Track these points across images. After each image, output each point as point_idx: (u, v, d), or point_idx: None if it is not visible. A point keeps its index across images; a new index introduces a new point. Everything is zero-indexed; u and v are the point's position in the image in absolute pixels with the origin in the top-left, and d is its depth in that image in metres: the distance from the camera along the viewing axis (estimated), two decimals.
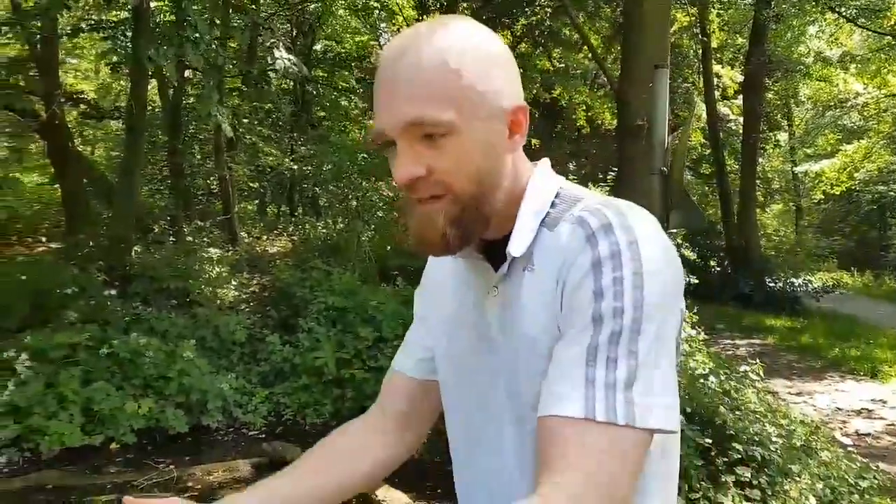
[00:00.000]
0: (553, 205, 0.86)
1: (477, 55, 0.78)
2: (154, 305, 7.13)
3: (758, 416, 4.37)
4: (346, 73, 12.27)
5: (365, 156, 10.06)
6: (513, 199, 0.85)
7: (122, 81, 12.80)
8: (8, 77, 8.37)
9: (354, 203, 11.29)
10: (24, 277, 7.20)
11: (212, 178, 12.97)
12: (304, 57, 11.64)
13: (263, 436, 5.86)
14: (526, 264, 0.84)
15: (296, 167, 11.15)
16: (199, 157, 13.07)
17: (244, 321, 7.31)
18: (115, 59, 9.21)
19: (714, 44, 15.23)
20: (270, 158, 11.81)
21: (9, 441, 5.15)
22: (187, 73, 9.62)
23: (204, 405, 5.94)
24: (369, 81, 10.79)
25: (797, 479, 3.89)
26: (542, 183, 0.87)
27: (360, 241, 9.60)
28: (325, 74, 12.07)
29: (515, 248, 0.83)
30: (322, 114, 12.97)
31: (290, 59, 5.99)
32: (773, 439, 4.07)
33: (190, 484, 4.83)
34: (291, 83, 11.24)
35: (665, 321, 0.76)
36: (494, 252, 0.87)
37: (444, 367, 0.98)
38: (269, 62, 6.23)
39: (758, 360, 5.34)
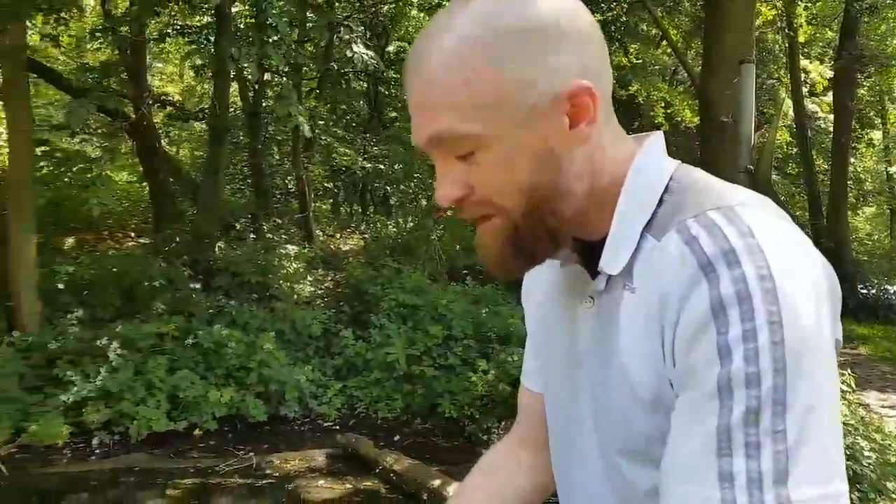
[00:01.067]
0: (661, 202, 0.68)
1: (507, 37, 0.63)
2: (236, 299, 7.41)
3: (849, 429, 4.13)
4: None
5: None
6: (606, 196, 0.69)
7: (205, 84, 13.39)
8: (101, 80, 8.89)
9: (424, 202, 11.41)
10: (115, 270, 7.63)
11: (289, 178, 13.37)
12: (378, 59, 11.83)
13: (337, 427, 5.99)
14: (625, 281, 0.68)
15: (368, 167, 11.35)
16: (277, 157, 13.52)
17: (319, 316, 7.50)
18: (198, 61, 9.64)
19: (801, 38, 14.50)
20: (345, 159, 12.07)
21: (101, 424, 5.46)
22: (266, 75, 9.96)
23: (282, 396, 6.13)
24: None
25: (893, 496, 3.65)
26: (646, 172, 0.69)
27: (429, 240, 9.68)
28: (398, 76, 12.25)
29: (608, 263, 0.68)
30: (394, 114, 13.17)
31: (367, 55, 6.10)
32: (866, 454, 3.83)
33: (268, 471, 5.00)
34: (365, 84, 11.45)
35: (817, 372, 0.57)
36: (594, 255, 0.71)
37: (541, 377, 0.90)
38: (348, 56, 6.35)
39: (848, 371, 5.05)
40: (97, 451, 5.31)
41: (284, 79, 9.09)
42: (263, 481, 4.84)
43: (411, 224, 11.09)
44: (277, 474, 4.96)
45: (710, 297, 0.58)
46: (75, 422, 5.41)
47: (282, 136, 13.02)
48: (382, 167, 11.18)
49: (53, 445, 5.20)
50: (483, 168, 0.65)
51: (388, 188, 12.12)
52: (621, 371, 0.68)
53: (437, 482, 4.60)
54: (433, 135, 0.65)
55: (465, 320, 6.94)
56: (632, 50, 13.70)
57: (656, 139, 0.74)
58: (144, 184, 11.21)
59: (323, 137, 11.98)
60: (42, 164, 8.33)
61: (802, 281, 0.59)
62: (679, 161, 0.74)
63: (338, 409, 6.34)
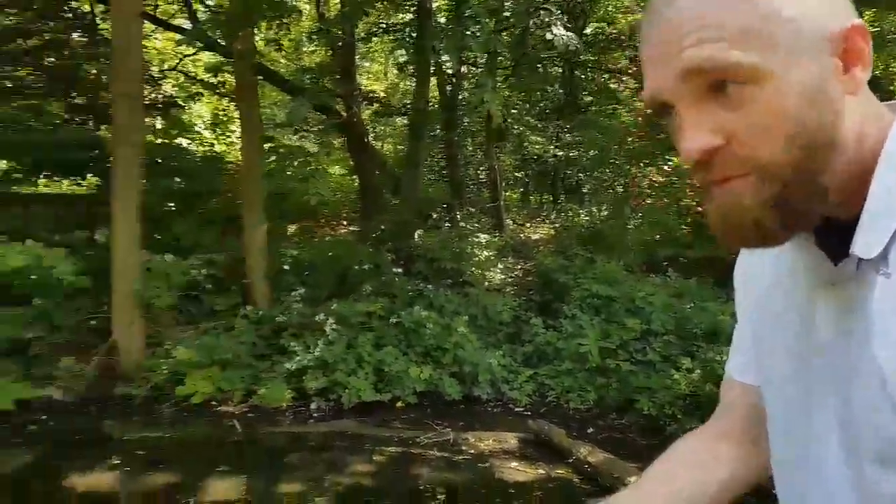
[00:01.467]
0: None
1: None
2: (433, 283, 7.79)
3: None
4: (617, 53, 11.99)
5: (634, 139, 9.74)
6: (864, 166, 0.58)
7: (407, 81, 14.17)
8: (317, 80, 9.80)
9: (620, 189, 11.03)
10: (330, 255, 8.39)
11: (481, 168, 13.71)
12: (578, 40, 11.63)
13: (528, 413, 6.05)
14: (880, 266, 0.58)
15: (560, 154, 11.25)
16: (470, 148, 13.93)
17: (510, 303, 7.62)
18: (401, 58, 10.20)
19: None
20: (536, 147, 12.08)
21: (318, 391, 6.05)
22: (463, 68, 10.27)
23: (475, 377, 6.33)
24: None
25: None
26: None
27: (625, 229, 9.33)
28: (595, 58, 11.95)
29: (863, 247, 0.58)
30: (589, 98, 12.89)
31: (567, 36, 6.00)
32: None
33: (463, 448, 5.19)
34: (561, 69, 11.34)
35: None
36: (831, 234, 0.62)
37: (757, 370, 0.80)
38: (546, 40, 6.30)
39: None
40: (314, 415, 5.90)
41: (481, 70, 9.30)
42: (459, 457, 5.03)
43: (605, 212, 10.79)
44: (473, 451, 5.14)
45: None
46: (296, 388, 6.06)
47: (476, 127, 13.38)
48: (575, 154, 11.00)
49: (278, 408, 5.87)
50: (748, 109, 0.55)
51: (581, 176, 11.90)
52: (876, 372, 0.58)
53: (634, 479, 4.45)
54: (690, 67, 0.55)
55: (667, 314, 6.60)
56: (866, 17, 11.99)
57: None
58: (354, 176, 12.17)
59: (515, 126, 12.08)
60: (269, 159, 9.37)
61: None
62: None
63: (528, 395, 6.39)
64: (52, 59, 9.77)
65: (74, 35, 10.12)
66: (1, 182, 9.58)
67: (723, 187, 0.58)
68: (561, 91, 12.02)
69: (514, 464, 4.95)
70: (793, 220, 0.59)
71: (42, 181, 9.75)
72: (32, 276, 6.05)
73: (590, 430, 5.65)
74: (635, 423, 5.79)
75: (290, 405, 5.94)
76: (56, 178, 9.88)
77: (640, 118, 10.93)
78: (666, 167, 10.52)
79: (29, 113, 9.95)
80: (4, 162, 9.37)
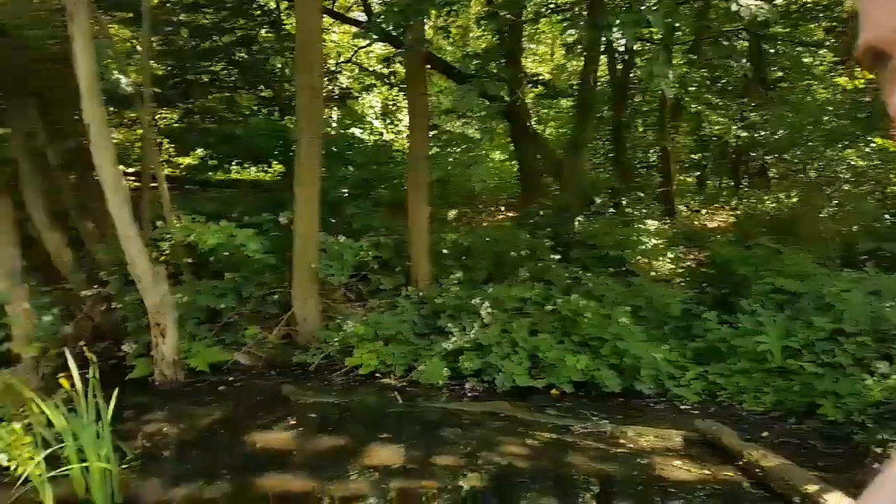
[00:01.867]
0: None
1: None
2: (592, 271, 7.54)
3: None
4: (812, 24, 10.73)
5: (832, 119, 8.66)
6: None
7: (574, 61, 13.80)
8: (483, 66, 9.84)
9: (813, 174, 9.90)
10: (488, 240, 8.44)
11: (652, 151, 13.01)
12: (770, 8, 10.58)
13: (696, 412, 5.64)
14: None
15: (744, 135, 10.32)
16: (640, 129, 13.27)
17: (680, 295, 7.14)
18: (570, 38, 9.90)
19: None
20: (716, 128, 11.20)
21: (472, 372, 6.13)
22: (636, 45, 9.76)
23: (636, 371, 6.03)
24: (841, 30, 9.22)
25: None
26: None
27: (818, 218, 8.36)
28: (787, 30, 10.79)
29: None
30: (779, 74, 11.68)
31: (756, 5, 5.43)
32: None
33: (621, 441, 4.97)
34: (747, 43, 10.39)
35: None
36: None
37: None
38: (732, 11, 5.77)
39: None
40: (468, 394, 5.98)
41: (655, 45, 8.78)
42: (617, 450, 4.82)
43: (794, 199, 9.75)
44: (631, 446, 4.90)
45: None
46: (452, 367, 6.18)
47: (647, 107, 12.71)
48: (761, 135, 10.03)
49: (435, 385, 6.03)
50: None
51: (767, 159, 10.84)
52: None
53: (813, 487, 3.99)
54: None
55: (863, 313, 5.81)
56: None
57: None
58: (514, 162, 12.13)
59: (693, 105, 11.29)
60: (432, 145, 9.59)
61: None
62: None
63: (697, 393, 5.95)
64: (243, 54, 10.77)
65: (262, 31, 11.08)
66: (198, 169, 10.81)
67: None
68: (747, 66, 11.00)
69: (676, 462, 4.65)
70: None
71: (234, 168, 10.84)
72: (226, 254, 6.74)
73: (764, 434, 5.14)
74: (818, 429, 5.18)
75: (446, 383, 6.08)
76: (245, 166, 10.93)
77: (841, 93, 9.70)
78: (868, 149, 9.25)
79: (223, 105, 11.11)
80: (201, 150, 10.54)
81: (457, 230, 9.42)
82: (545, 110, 13.73)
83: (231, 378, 6.27)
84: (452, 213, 10.33)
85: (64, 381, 3.91)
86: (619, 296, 6.96)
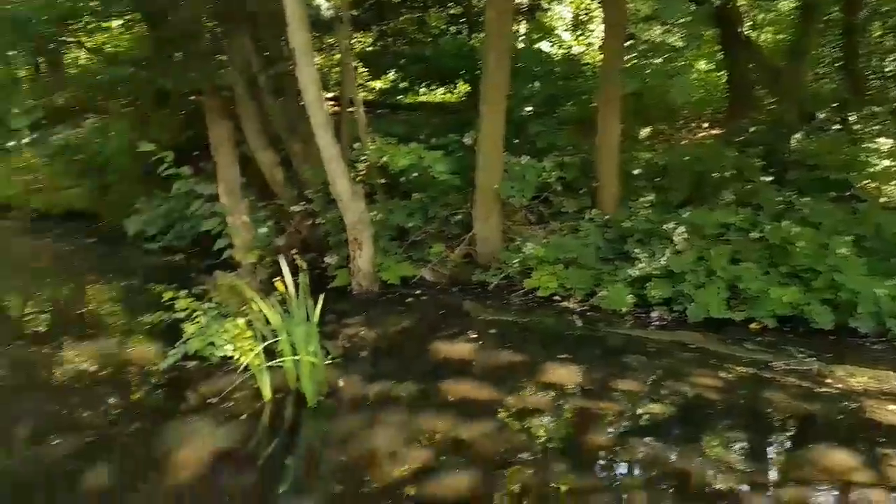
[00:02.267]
0: None
1: None
2: (810, 195, 6.68)
3: None
4: None
5: None
6: None
7: None
8: None
9: None
10: (687, 159, 7.80)
11: (890, 59, 11.02)
12: None
13: None
14: None
15: None
16: (877, 34, 11.25)
17: None
18: None
19: None
20: None
21: (661, 300, 5.82)
22: None
23: (853, 307, 5.32)
24: None
25: None
26: None
27: None
28: None
29: None
30: None
31: None
32: None
33: (829, 381, 4.47)
34: None
35: None
36: None
37: None
38: None
39: None
40: (655, 322, 5.72)
41: None
42: (822, 389, 4.35)
43: None
44: (840, 386, 4.39)
45: None
46: (638, 294, 5.92)
47: (888, 6, 10.67)
48: None
49: (617, 311, 5.85)
50: None
51: None
52: None
53: None
54: None
55: None
56: None
57: None
58: (722, 72, 10.97)
59: None
60: (628, 56, 8.92)
61: None
62: None
63: None
64: None
65: None
66: (390, 92, 11.18)
67: None
68: None
69: (892, 406, 4.11)
70: None
71: (422, 90, 11.05)
72: (415, 174, 6.98)
73: None
74: None
75: (630, 311, 5.86)
76: (433, 88, 11.08)
77: None
78: None
79: (414, 26, 11.26)
80: (392, 73, 10.85)
81: (651, 149, 8.82)
82: (761, 14, 12.11)
83: (418, 292, 6.61)
84: (647, 131, 9.65)
85: (279, 285, 4.35)
86: (839, 223, 6.11)
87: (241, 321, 4.40)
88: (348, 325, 5.68)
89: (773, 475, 3.43)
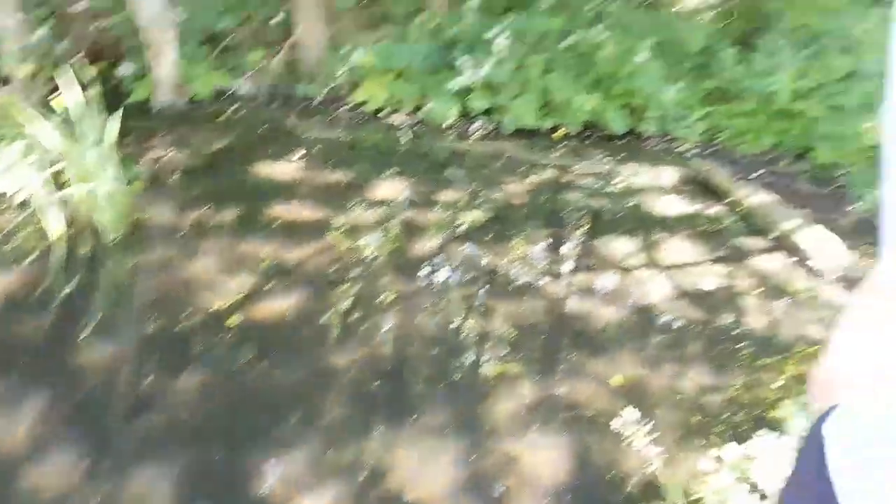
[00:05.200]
0: None
1: None
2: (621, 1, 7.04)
3: None
4: None
5: None
6: None
7: None
8: None
9: None
10: None
11: None
12: None
13: (695, 151, 5.84)
14: None
15: None
16: None
17: (704, 28, 6.79)
18: None
19: None
20: None
21: (482, 112, 6.12)
22: None
23: (644, 111, 6.02)
24: None
25: None
26: None
27: None
28: None
29: None
30: None
31: None
32: None
33: (617, 180, 5.24)
34: None
35: None
36: None
37: None
38: None
39: None
40: (476, 133, 6.07)
41: None
42: (610, 189, 5.11)
43: None
44: (626, 184, 5.19)
45: None
46: (462, 106, 6.15)
47: None
48: None
49: (442, 123, 6.07)
50: None
51: None
52: None
53: (790, 223, 4.35)
54: None
55: (879, 52, 5.59)
56: None
57: None
58: None
59: None
60: None
61: None
62: None
63: (700, 133, 6.05)
64: None
65: None
66: None
67: None
68: None
69: (666, 198, 4.98)
70: None
71: None
72: None
73: (758, 174, 5.41)
74: (807, 171, 5.46)
75: (455, 122, 6.12)
76: None
77: None
78: None
79: None
80: None
81: None
82: None
83: (235, 106, 6.17)
84: None
85: (57, 101, 3.82)
86: (644, 28, 6.59)
87: (18, 145, 3.88)
88: (153, 147, 5.16)
89: (566, 266, 4.07)
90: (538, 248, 4.25)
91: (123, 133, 4.15)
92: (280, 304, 3.48)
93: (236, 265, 3.77)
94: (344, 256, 3.98)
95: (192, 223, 4.19)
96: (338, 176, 5.05)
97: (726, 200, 4.91)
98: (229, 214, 4.32)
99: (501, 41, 6.23)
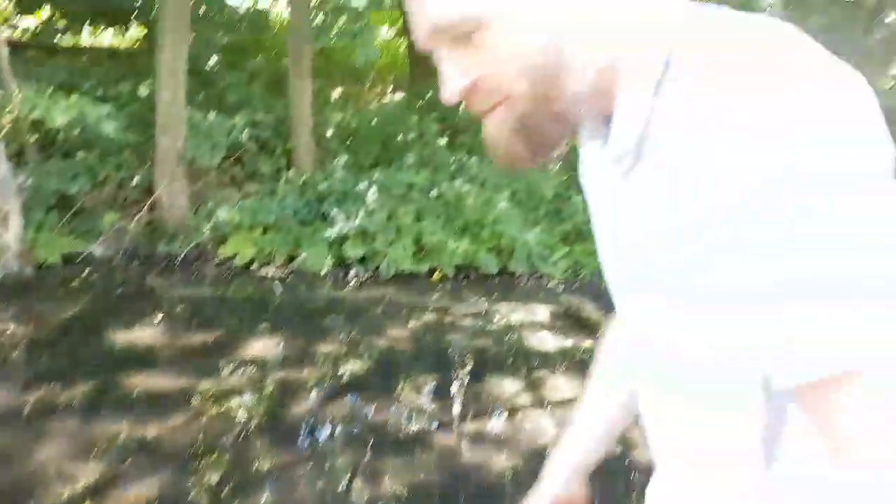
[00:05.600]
0: (667, 64, 0.58)
1: None
2: (477, 155, 7.58)
3: None
4: None
5: None
6: (606, 81, 0.61)
7: None
8: None
9: None
10: (376, 121, 8.18)
11: None
12: None
13: (562, 287, 6.10)
14: (634, 161, 0.62)
15: None
16: None
17: (553, 179, 7.44)
18: None
19: None
20: None
21: (358, 259, 6.12)
22: None
23: (511, 252, 6.30)
24: None
25: None
26: (648, 33, 0.59)
27: None
28: None
29: (618, 141, 0.61)
30: None
31: None
32: None
33: (496, 318, 5.27)
34: None
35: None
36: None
37: None
38: None
39: None
40: (352, 281, 6.00)
41: None
42: (491, 326, 5.12)
43: None
44: (504, 322, 5.23)
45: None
46: (337, 254, 6.13)
47: None
48: None
49: (318, 273, 5.99)
50: (485, 49, 0.60)
51: None
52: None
53: None
54: (431, 26, 0.60)
55: None
56: None
57: None
58: (402, 39, 11.59)
59: None
60: (315, 14, 8.90)
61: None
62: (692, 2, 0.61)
63: (564, 271, 6.40)
64: None
65: None
66: (44, 32, 9.47)
67: (486, 118, 0.64)
68: None
69: (542, 334, 5.04)
70: (535, 144, 0.64)
71: (87, 31, 9.58)
72: (76, 131, 6.08)
73: None
74: None
75: (330, 271, 6.04)
76: (100, 28, 9.67)
77: None
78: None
79: None
80: (48, 8, 9.17)
81: (343, 109, 9.01)
82: None
83: (87, 270, 5.77)
84: (338, 92, 9.83)
85: None
86: (500, 181, 7.10)
87: None
88: None
89: (456, 410, 3.91)
90: (425, 395, 4.06)
91: None
92: (139, 488, 3.00)
93: (88, 447, 3.28)
94: (211, 425, 3.57)
95: (37, 403, 3.66)
96: (204, 336, 4.69)
97: (598, 333, 5.06)
98: (80, 389, 3.80)
99: (372, 193, 6.41)
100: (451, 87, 0.62)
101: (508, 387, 4.21)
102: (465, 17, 0.58)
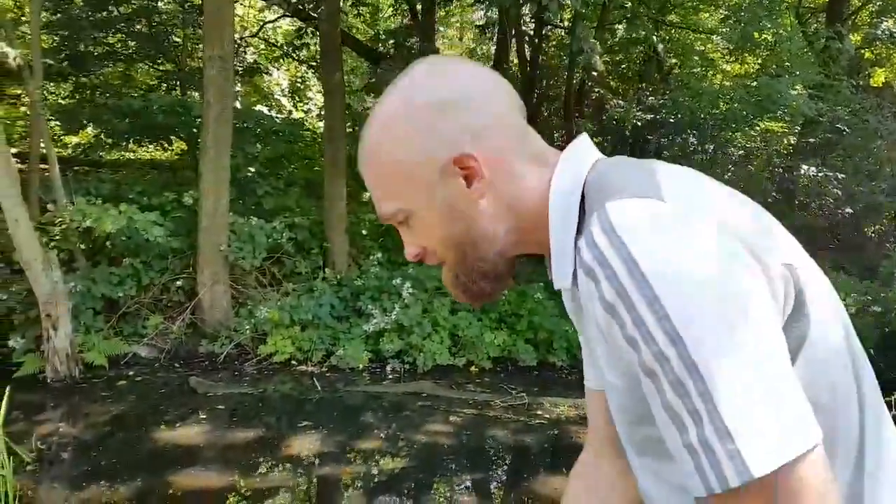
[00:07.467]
0: (582, 209, 0.72)
1: (397, 123, 0.75)
2: None
3: None
4: (707, 14, 11.30)
5: (727, 104, 9.18)
6: (542, 218, 0.75)
7: (483, 46, 13.89)
8: (396, 45, 9.69)
9: (705, 155, 10.48)
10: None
11: (557, 134, 13.34)
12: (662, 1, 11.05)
13: None
14: (576, 291, 0.77)
15: (647, 118, 10.75)
16: (546, 113, 13.56)
17: None
18: (479, 21, 9.92)
19: None
20: (617, 111, 11.61)
21: (394, 353, 6.12)
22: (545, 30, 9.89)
23: (550, 344, 6.24)
24: (735, 19, 9.76)
25: None
26: (563, 185, 0.74)
27: None
28: (681, 20, 11.34)
29: (558, 279, 0.76)
30: (674, 61, 12.23)
31: None
32: None
33: (539, 412, 5.14)
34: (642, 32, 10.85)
35: (724, 322, 0.59)
36: None
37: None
38: None
39: None
40: (390, 375, 5.97)
41: (563, 31, 8.96)
42: (535, 421, 4.98)
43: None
44: (548, 416, 5.08)
45: (601, 301, 0.63)
46: (373, 350, 6.14)
47: (553, 92, 13.01)
48: (659, 117, 10.50)
49: (355, 368, 5.98)
50: (416, 230, 0.79)
51: (663, 141, 11.40)
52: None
53: None
54: (382, 214, 0.79)
55: None
56: None
57: (576, 145, 0.79)
58: None
59: (596, 89, 11.64)
60: (347, 122, 9.41)
61: (674, 252, 0.61)
62: (599, 156, 0.78)
63: None
64: (141, 26, 10.10)
65: (161, 2, 10.44)
66: (90, 148, 10.08)
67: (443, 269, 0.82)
68: (644, 52, 11.51)
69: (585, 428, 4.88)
70: (472, 293, 0.82)
71: (130, 147, 10.18)
72: (124, 238, 6.34)
73: None
74: None
75: (366, 366, 6.04)
76: (143, 144, 10.27)
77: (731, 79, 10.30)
78: (753, 132, 9.91)
79: (118, 80, 10.40)
80: (91, 128, 9.80)
81: (373, 210, 9.29)
82: None
83: (132, 372, 5.85)
84: (368, 194, 10.19)
85: None
86: (532, 274, 7.15)
87: None
88: (43, 421, 4.74)
89: None
90: (465, 491, 3.94)
91: (12, 410, 3.79)
92: None
93: None
94: None
95: (86, 501, 3.64)
96: (244, 434, 4.64)
97: None
98: (124, 490, 3.77)
99: (406, 288, 6.50)
100: (407, 250, 0.82)
101: (555, 483, 4.07)
102: (398, 210, 0.77)
